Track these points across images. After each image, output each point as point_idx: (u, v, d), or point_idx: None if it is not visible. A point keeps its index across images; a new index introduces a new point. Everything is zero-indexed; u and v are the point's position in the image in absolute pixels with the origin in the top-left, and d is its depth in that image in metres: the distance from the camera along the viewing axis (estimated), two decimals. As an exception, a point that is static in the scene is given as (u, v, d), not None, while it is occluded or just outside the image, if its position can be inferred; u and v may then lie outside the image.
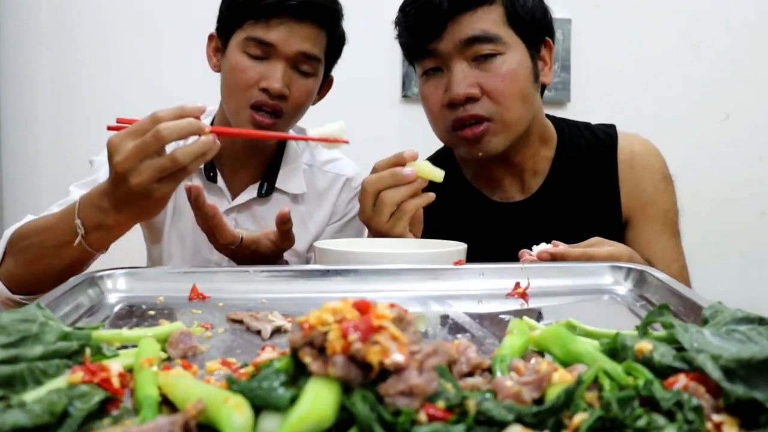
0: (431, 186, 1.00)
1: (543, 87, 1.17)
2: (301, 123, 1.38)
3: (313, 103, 1.27)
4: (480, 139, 1.08)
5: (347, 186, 1.34)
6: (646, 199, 1.17)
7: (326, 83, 1.29)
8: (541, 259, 0.86)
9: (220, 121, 1.26)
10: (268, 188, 1.27)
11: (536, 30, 1.12)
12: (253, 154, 1.26)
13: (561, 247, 0.88)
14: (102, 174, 1.21)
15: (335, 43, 1.21)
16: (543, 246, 0.89)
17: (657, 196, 1.17)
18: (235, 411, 0.35)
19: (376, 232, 1.00)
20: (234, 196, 1.27)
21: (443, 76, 1.09)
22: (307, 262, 1.32)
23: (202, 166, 1.22)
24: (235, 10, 1.15)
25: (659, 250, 1.12)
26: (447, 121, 1.09)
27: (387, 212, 0.95)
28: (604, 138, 1.20)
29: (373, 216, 0.97)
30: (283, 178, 1.28)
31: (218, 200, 1.26)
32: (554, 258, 0.86)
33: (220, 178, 1.26)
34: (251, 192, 1.27)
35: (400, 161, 0.96)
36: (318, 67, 1.18)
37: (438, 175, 0.95)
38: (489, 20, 1.06)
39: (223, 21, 1.18)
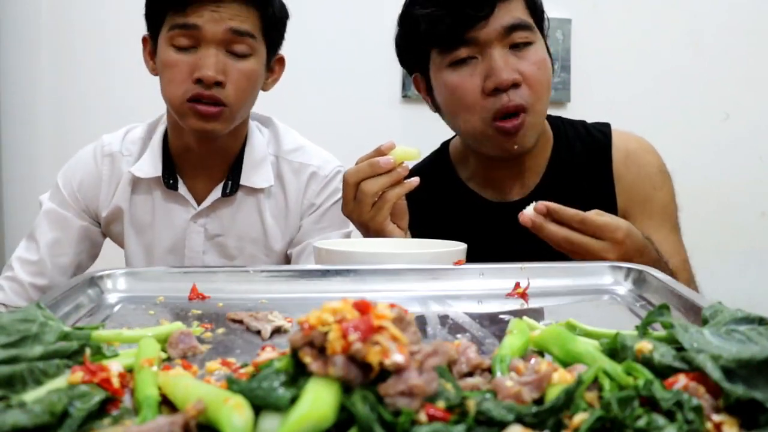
0: (425, 189, 1.00)
1: None
2: (297, 119, 1.37)
3: (266, 88, 1.22)
4: (518, 132, 1.07)
5: (314, 178, 1.27)
6: (644, 196, 1.16)
7: (276, 64, 1.23)
8: (538, 211, 0.89)
9: (170, 124, 1.22)
10: (232, 187, 1.21)
11: (543, 24, 1.13)
12: (214, 154, 1.21)
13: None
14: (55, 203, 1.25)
15: (272, 18, 1.15)
16: (532, 206, 0.91)
17: (654, 192, 1.17)
18: (235, 411, 0.35)
19: (358, 224, 1.02)
20: (200, 201, 1.23)
21: (477, 64, 1.06)
22: (288, 259, 1.28)
23: (160, 174, 1.21)
24: (154, 4, 1.13)
25: (658, 244, 1.11)
26: (487, 110, 1.06)
27: (368, 202, 0.97)
28: (598, 136, 1.21)
29: (354, 208, 0.99)
30: (248, 173, 1.22)
31: (183, 208, 1.23)
32: (549, 212, 0.88)
33: (181, 185, 1.22)
34: (216, 193, 1.22)
35: (378, 153, 0.98)
36: (255, 46, 1.12)
37: (414, 152, 0.99)
38: (519, 9, 1.07)
39: (149, 19, 1.15)
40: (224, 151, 1.22)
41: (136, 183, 1.23)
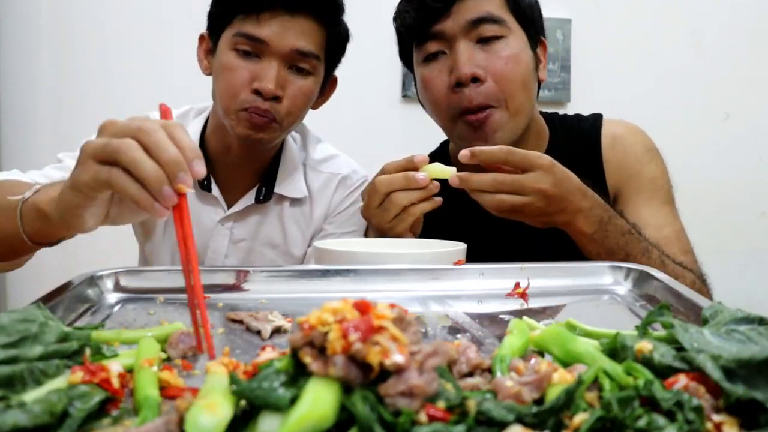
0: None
1: (539, 84, 1.18)
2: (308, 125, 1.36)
3: (315, 107, 1.21)
4: (484, 125, 1.07)
5: (342, 184, 1.27)
6: (630, 172, 1.16)
7: (329, 84, 1.22)
8: (463, 159, 0.89)
9: (213, 124, 1.21)
10: (266, 193, 1.21)
11: (533, 22, 1.12)
12: (250, 159, 1.20)
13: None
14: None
15: (336, 39, 1.14)
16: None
17: (641, 167, 1.16)
18: (204, 411, 0.34)
19: (376, 228, 1.01)
20: (230, 204, 1.22)
21: (446, 60, 1.07)
22: (305, 262, 1.28)
23: None
24: (224, 5, 1.10)
25: (648, 216, 1.09)
26: (451, 107, 1.07)
27: (393, 212, 0.96)
28: (590, 127, 1.21)
29: (377, 213, 0.98)
30: (283, 182, 1.22)
31: (213, 209, 1.22)
32: (473, 156, 0.89)
33: (214, 186, 1.21)
34: (249, 198, 1.21)
35: (411, 166, 0.96)
36: (317, 66, 1.11)
37: (449, 172, 0.94)
38: (492, 3, 1.06)
39: (213, 18, 1.13)
40: (261, 156, 1.21)
41: None
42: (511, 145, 1.13)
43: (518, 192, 0.88)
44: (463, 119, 1.08)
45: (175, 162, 0.58)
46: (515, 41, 1.08)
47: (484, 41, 1.06)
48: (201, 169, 0.60)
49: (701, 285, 1.06)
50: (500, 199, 0.89)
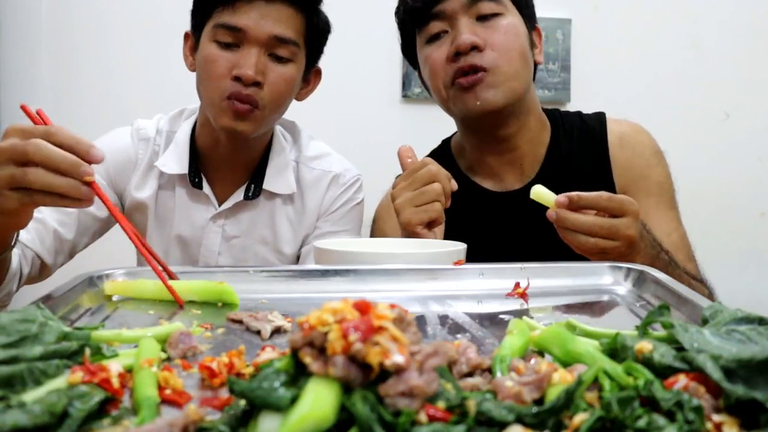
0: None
1: (535, 67, 1.20)
2: (298, 119, 1.36)
3: (300, 98, 1.22)
4: (475, 87, 1.10)
5: (334, 182, 1.28)
6: (639, 174, 1.18)
7: (313, 75, 1.24)
8: (559, 204, 0.86)
9: (201, 120, 1.21)
10: (255, 190, 1.22)
11: (527, 4, 1.18)
12: (240, 156, 1.21)
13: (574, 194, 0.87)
14: None
15: (316, 28, 1.16)
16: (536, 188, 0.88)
17: (649, 170, 1.19)
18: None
19: (398, 211, 1.01)
20: (221, 202, 1.22)
21: (448, 37, 1.12)
22: (297, 260, 1.29)
23: (186, 172, 1.20)
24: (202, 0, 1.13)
25: (657, 221, 1.12)
26: (447, 74, 1.12)
27: (427, 199, 0.99)
28: (594, 124, 1.23)
29: (410, 195, 1.00)
30: (271, 178, 1.23)
31: (204, 207, 1.22)
32: (571, 201, 0.86)
33: (205, 184, 1.21)
34: (238, 195, 1.22)
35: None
36: (297, 53, 1.13)
37: (552, 201, 0.88)
38: None
39: (195, 14, 1.16)
40: (250, 153, 1.22)
41: (160, 176, 1.22)
42: (511, 131, 1.16)
43: (611, 237, 0.87)
44: (453, 84, 1.11)
45: (73, 165, 0.71)
46: (512, 17, 1.14)
47: (483, 18, 1.11)
48: (97, 153, 0.73)
49: (712, 298, 1.08)
50: (595, 243, 0.87)
